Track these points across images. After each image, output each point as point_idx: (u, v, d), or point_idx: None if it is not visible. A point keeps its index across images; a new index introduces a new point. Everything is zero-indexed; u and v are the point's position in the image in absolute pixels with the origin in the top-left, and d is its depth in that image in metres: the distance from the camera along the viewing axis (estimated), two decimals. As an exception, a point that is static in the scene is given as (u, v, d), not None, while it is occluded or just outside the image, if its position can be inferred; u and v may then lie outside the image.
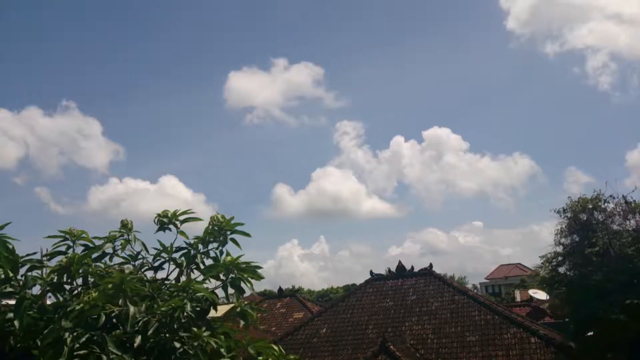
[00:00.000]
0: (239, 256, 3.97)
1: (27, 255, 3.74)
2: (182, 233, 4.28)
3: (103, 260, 4.12)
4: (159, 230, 4.29)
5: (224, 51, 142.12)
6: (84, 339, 3.17)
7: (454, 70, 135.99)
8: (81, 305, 3.32)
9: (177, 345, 3.40)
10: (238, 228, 4.19)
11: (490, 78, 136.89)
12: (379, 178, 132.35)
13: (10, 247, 3.63)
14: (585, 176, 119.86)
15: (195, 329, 3.51)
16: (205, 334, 3.51)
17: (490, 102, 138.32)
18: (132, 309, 3.33)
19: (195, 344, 3.44)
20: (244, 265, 3.92)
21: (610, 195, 17.16)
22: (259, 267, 3.98)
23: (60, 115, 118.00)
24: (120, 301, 3.37)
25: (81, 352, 3.13)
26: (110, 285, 3.43)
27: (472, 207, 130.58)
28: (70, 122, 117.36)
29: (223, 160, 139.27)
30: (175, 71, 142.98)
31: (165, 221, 4.27)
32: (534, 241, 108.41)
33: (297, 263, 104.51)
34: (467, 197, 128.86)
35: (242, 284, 3.93)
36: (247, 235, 4.22)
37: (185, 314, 3.48)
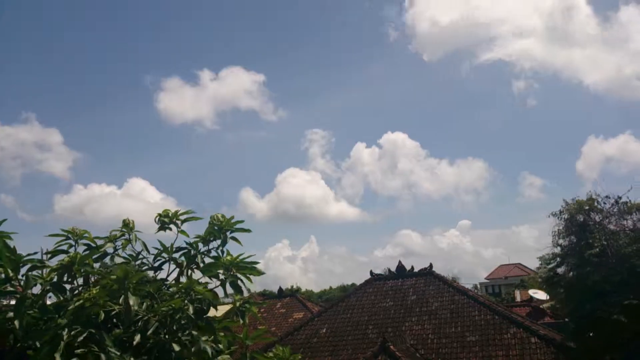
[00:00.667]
0: (239, 255, 3.98)
1: (28, 254, 3.75)
2: (183, 232, 4.30)
3: (104, 260, 4.14)
4: (159, 230, 4.30)
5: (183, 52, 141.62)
6: (82, 338, 3.18)
7: (392, 85, 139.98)
8: (80, 301, 3.33)
9: (177, 347, 3.41)
10: (238, 226, 4.21)
11: (431, 93, 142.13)
12: (345, 184, 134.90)
13: (12, 246, 3.64)
14: (539, 179, 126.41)
15: (194, 332, 3.52)
16: (204, 337, 3.52)
17: (435, 113, 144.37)
18: (132, 299, 3.33)
19: (193, 350, 3.44)
20: (242, 264, 3.94)
21: (607, 196, 17.20)
22: (256, 263, 4.00)
23: (21, 126, 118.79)
24: (121, 299, 3.38)
25: (79, 350, 3.14)
26: (113, 277, 3.43)
27: (440, 210, 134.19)
28: (30, 133, 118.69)
29: (188, 167, 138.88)
30: (121, 81, 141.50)
31: (166, 221, 4.28)
32: (511, 242, 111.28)
33: (281, 264, 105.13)
34: (434, 200, 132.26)
35: (242, 282, 3.95)
36: (248, 231, 4.24)
37: (185, 315, 3.49)
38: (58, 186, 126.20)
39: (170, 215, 4.28)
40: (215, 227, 4.16)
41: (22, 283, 3.60)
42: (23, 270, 3.69)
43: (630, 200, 16.84)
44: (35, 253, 3.83)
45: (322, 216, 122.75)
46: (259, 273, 4.03)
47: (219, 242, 4.22)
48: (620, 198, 16.92)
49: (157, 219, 4.31)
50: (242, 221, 4.21)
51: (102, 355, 3.15)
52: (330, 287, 77.11)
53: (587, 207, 17.24)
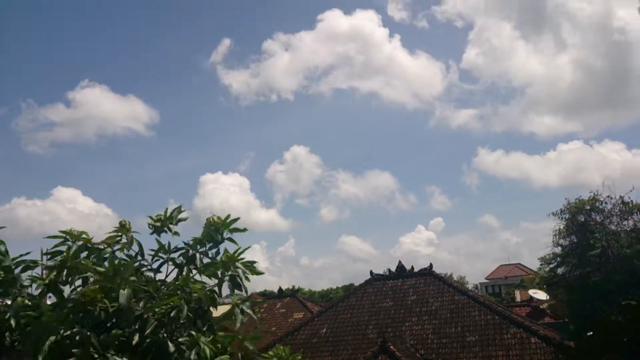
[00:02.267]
0: (236, 251, 3.97)
1: (21, 255, 3.75)
2: (177, 234, 4.28)
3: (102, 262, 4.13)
4: (153, 234, 4.28)
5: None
6: (77, 337, 3.17)
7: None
8: (77, 300, 3.32)
9: (172, 348, 3.40)
10: (233, 225, 4.19)
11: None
12: (270, 196, 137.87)
13: (3, 248, 3.64)
14: (439, 189, 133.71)
15: (194, 333, 3.50)
16: (203, 339, 3.50)
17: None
18: (123, 295, 3.31)
19: (192, 352, 3.43)
20: (240, 263, 3.92)
21: (608, 196, 17.17)
22: (254, 262, 3.99)
23: None
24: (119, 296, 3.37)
25: (76, 350, 3.13)
26: (103, 271, 3.42)
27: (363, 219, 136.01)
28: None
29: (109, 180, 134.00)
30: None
31: (158, 225, 4.26)
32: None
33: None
34: (355, 208, 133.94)
35: (240, 280, 3.93)
36: (244, 230, 4.22)
37: (182, 314, 3.47)
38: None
39: (162, 218, 4.26)
40: (212, 228, 4.14)
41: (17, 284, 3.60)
42: (18, 271, 3.69)
43: (632, 201, 16.83)
44: (28, 253, 3.83)
45: (254, 224, 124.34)
46: (258, 272, 4.01)
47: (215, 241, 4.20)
48: (622, 198, 16.90)
49: (150, 225, 4.29)
50: (237, 219, 4.19)
51: (97, 357, 3.14)
52: (332, 288, 77.29)
53: (588, 207, 17.23)
